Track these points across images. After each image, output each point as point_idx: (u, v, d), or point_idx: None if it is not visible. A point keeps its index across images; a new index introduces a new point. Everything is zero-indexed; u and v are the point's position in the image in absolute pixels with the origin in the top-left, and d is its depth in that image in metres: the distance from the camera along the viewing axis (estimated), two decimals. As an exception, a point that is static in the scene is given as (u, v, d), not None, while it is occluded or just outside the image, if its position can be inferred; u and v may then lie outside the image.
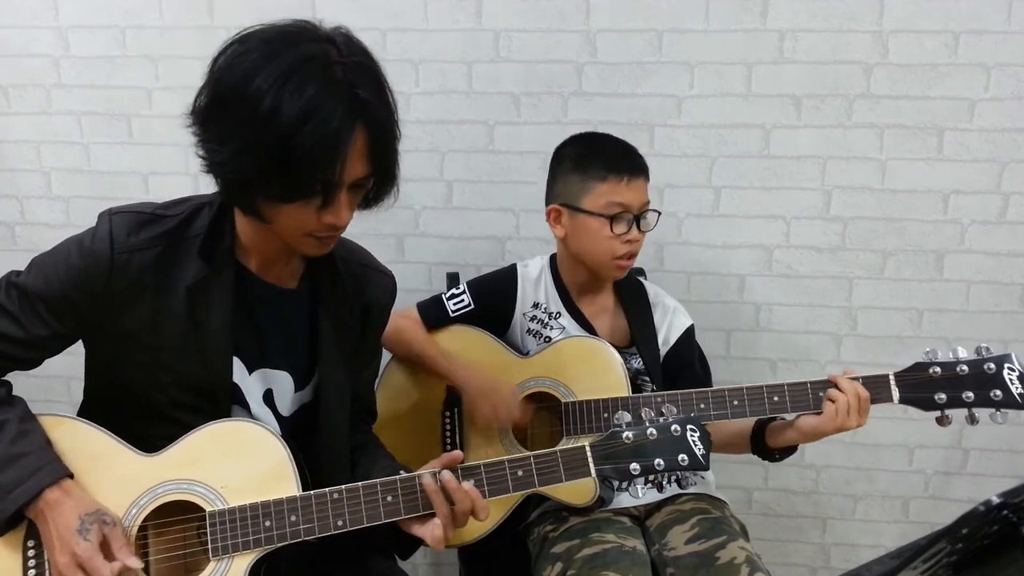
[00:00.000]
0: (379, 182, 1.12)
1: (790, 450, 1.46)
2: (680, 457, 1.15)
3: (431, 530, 1.14)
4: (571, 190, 1.52)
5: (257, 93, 1.00)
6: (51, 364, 1.22)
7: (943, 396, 1.28)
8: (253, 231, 1.18)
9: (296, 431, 1.27)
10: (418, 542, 1.19)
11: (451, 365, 1.54)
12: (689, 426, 1.15)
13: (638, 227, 1.50)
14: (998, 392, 1.25)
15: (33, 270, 1.16)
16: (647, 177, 1.52)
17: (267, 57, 1.02)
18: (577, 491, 1.43)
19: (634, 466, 1.15)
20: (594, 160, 1.51)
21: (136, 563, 1.07)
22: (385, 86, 1.08)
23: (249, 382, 1.22)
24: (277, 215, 1.09)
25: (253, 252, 1.20)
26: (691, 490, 1.56)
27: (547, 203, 1.58)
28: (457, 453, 1.17)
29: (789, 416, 1.40)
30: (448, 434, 1.60)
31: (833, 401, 1.31)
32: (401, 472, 1.18)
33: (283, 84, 1.00)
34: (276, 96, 0.99)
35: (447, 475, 1.14)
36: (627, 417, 1.17)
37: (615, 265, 1.52)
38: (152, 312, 1.14)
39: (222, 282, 1.16)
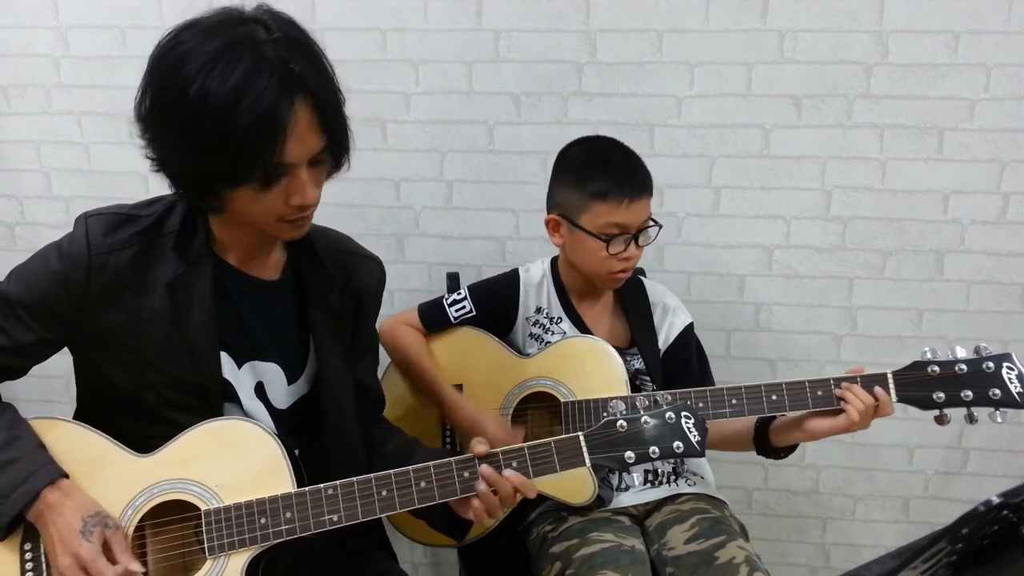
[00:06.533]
0: (333, 152, 1.11)
1: (793, 447, 1.46)
2: (675, 444, 1.14)
3: (473, 510, 1.15)
4: (570, 203, 1.50)
5: (185, 81, 1.00)
6: (51, 364, 1.22)
7: (941, 395, 1.27)
8: (227, 224, 1.18)
9: (296, 424, 1.27)
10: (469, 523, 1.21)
11: (442, 395, 1.55)
12: (683, 413, 1.15)
13: (636, 243, 1.48)
14: (997, 391, 1.25)
15: (13, 278, 1.16)
16: (650, 194, 1.49)
17: (195, 47, 1.02)
18: (576, 490, 1.43)
19: (628, 454, 1.14)
20: (595, 177, 1.47)
21: (138, 567, 1.07)
22: (320, 54, 1.08)
23: (239, 376, 1.22)
24: (242, 205, 1.08)
25: (231, 246, 1.20)
26: (691, 490, 1.56)
27: (548, 207, 1.57)
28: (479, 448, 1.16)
29: (789, 414, 1.40)
30: (448, 434, 1.60)
31: (863, 405, 1.28)
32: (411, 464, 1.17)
33: (211, 70, 0.99)
34: (204, 82, 0.99)
35: (486, 468, 1.14)
36: (621, 406, 1.16)
37: (611, 279, 1.52)
38: (134, 311, 1.14)
39: (201, 277, 1.16)
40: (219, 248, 1.20)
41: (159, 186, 1.19)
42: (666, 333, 1.61)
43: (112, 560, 1.06)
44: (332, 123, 1.07)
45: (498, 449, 1.16)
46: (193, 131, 1.01)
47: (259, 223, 1.12)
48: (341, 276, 1.28)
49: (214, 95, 0.99)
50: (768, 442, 1.45)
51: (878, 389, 1.29)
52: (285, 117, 1.01)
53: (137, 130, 1.09)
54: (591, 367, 1.49)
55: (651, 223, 1.50)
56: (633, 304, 1.62)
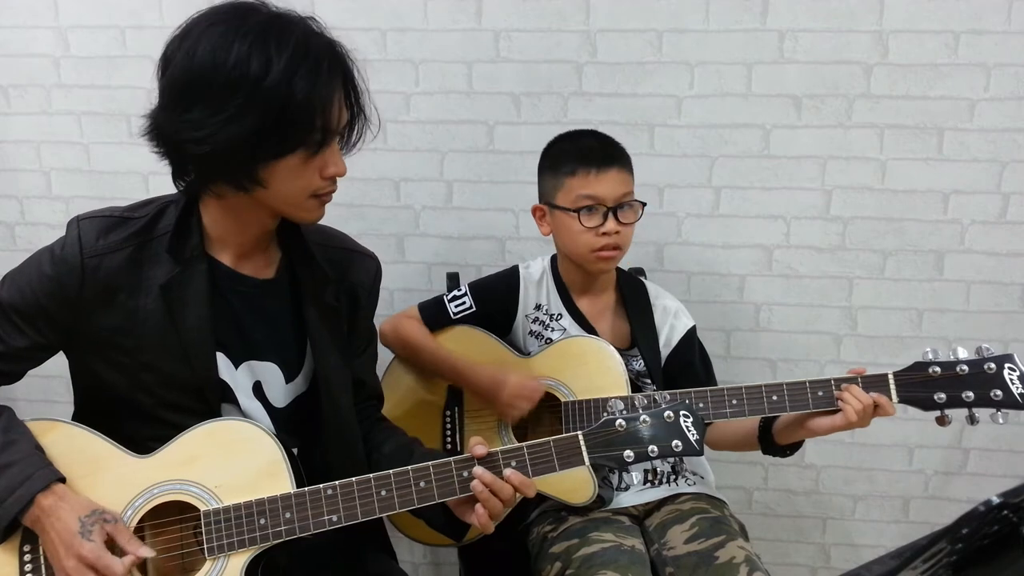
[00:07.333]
0: (352, 128, 1.16)
1: (799, 444, 1.46)
2: (674, 443, 1.15)
3: (477, 518, 1.15)
4: (547, 187, 1.55)
5: (238, 58, 1.02)
6: (50, 365, 1.22)
7: (943, 396, 1.27)
8: (224, 222, 1.18)
9: (295, 423, 1.27)
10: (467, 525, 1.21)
11: (457, 365, 1.54)
12: (682, 412, 1.15)
13: (616, 218, 1.49)
14: (998, 392, 1.24)
15: (6, 283, 1.16)
16: (624, 167, 1.51)
17: (233, 29, 1.04)
18: (576, 490, 1.43)
19: (628, 453, 1.14)
20: (565, 156, 1.53)
21: (148, 552, 1.07)
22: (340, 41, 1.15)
23: (237, 376, 1.22)
24: (281, 178, 1.10)
25: (225, 245, 1.20)
26: (690, 489, 1.56)
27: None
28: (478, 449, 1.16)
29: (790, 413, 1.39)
30: (448, 434, 1.60)
31: (860, 405, 1.28)
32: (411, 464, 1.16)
33: (263, 43, 1.03)
34: (262, 54, 1.03)
35: (480, 470, 1.14)
36: (620, 405, 1.17)
37: (595, 258, 1.51)
38: (128, 314, 1.14)
39: (196, 278, 1.16)
40: (213, 248, 1.20)
41: (159, 186, 1.19)
42: (667, 335, 1.61)
43: (119, 552, 1.05)
44: (357, 98, 1.14)
45: (497, 449, 1.16)
46: (254, 101, 1.03)
47: (290, 202, 1.14)
48: (336, 273, 1.28)
49: (275, 67, 1.02)
50: (773, 441, 1.45)
51: (876, 394, 1.28)
52: (335, 86, 1.09)
53: (158, 126, 1.09)
54: (592, 367, 1.49)
55: (631, 199, 1.51)
56: (634, 303, 1.61)
